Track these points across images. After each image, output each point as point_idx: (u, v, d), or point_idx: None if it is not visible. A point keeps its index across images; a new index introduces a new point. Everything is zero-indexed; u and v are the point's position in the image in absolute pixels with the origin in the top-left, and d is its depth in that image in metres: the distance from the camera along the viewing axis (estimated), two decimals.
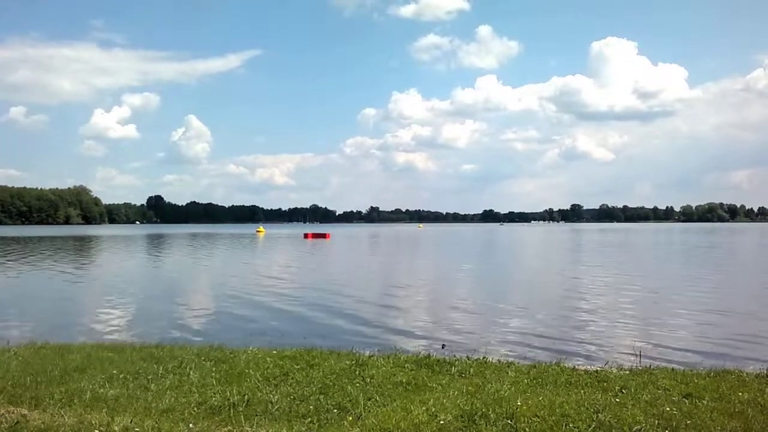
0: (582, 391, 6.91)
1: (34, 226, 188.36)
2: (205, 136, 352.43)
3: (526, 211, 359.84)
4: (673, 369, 8.49)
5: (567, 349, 11.63)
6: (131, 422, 5.66)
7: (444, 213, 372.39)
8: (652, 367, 8.66)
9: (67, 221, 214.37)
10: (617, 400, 6.50)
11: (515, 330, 13.87)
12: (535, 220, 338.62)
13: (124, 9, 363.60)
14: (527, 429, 5.54)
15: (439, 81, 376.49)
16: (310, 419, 5.95)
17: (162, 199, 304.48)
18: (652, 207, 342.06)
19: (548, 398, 6.48)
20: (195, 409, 6.34)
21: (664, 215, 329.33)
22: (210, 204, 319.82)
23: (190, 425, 5.70)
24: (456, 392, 6.83)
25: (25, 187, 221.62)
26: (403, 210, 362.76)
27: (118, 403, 6.53)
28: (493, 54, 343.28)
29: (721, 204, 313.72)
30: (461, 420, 5.76)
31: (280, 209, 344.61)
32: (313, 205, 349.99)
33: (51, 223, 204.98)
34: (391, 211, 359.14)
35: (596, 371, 8.21)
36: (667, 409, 6.10)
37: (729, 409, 6.16)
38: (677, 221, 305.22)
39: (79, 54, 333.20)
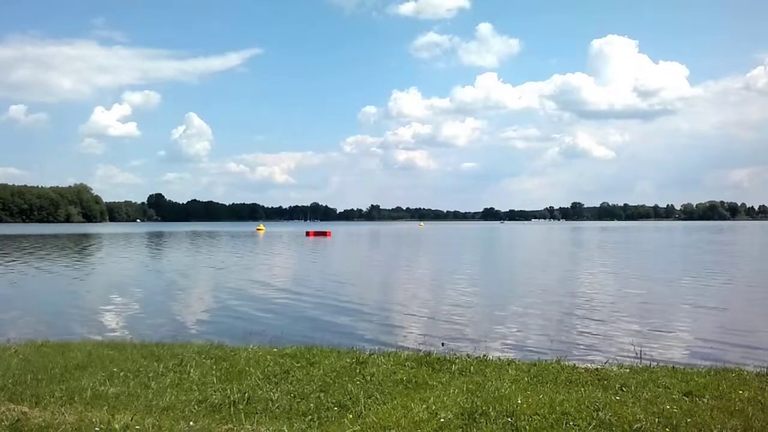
0: (582, 389, 6.91)
1: (34, 224, 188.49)
2: (206, 134, 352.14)
3: (526, 209, 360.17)
4: (673, 367, 8.49)
5: (567, 347, 11.63)
6: (132, 420, 5.66)
7: (444, 211, 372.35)
8: (652, 365, 8.67)
9: (67, 219, 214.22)
10: (617, 398, 6.50)
11: (515, 328, 13.88)
12: (535, 218, 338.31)
13: (125, 7, 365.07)
14: (528, 427, 5.54)
15: (439, 79, 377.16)
16: (310, 417, 5.96)
17: (163, 197, 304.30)
18: (652, 205, 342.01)
19: (548, 396, 6.48)
20: (195, 406, 6.35)
21: (665, 213, 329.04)
22: (210, 202, 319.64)
23: (191, 423, 5.70)
24: (456, 390, 6.83)
25: (25, 185, 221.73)
26: (404, 208, 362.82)
27: (119, 400, 6.54)
28: (494, 52, 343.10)
29: (722, 202, 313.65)
30: (461, 418, 5.77)
31: (280, 207, 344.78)
32: (314, 203, 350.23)
33: (52, 221, 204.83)
34: (392, 209, 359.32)
35: (596, 369, 8.21)
36: (668, 407, 6.10)
37: (729, 408, 6.16)
38: (678, 219, 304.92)
39: (80, 52, 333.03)
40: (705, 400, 6.43)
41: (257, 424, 5.71)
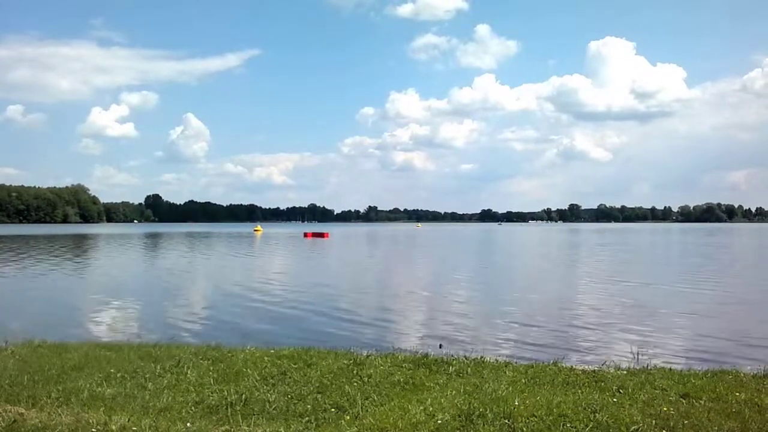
0: (579, 391, 6.92)
1: (32, 224, 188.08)
2: (204, 135, 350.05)
3: (524, 210, 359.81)
4: (670, 369, 8.51)
5: (564, 348, 11.63)
6: (128, 421, 5.65)
7: (442, 212, 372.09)
8: (649, 367, 8.68)
9: (65, 220, 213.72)
10: (614, 399, 6.51)
11: (513, 329, 13.88)
12: (533, 219, 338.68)
13: (124, 7, 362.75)
14: (525, 429, 5.54)
15: (437, 80, 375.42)
16: (307, 418, 5.95)
17: (160, 197, 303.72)
18: (650, 207, 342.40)
19: (546, 398, 6.49)
20: (192, 408, 6.34)
21: (662, 215, 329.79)
22: (208, 203, 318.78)
23: (188, 424, 5.69)
24: (453, 392, 6.84)
25: (23, 186, 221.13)
26: (402, 209, 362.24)
27: (116, 402, 6.53)
28: (491, 53, 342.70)
29: (719, 204, 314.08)
30: (459, 419, 5.77)
31: (278, 208, 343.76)
32: (312, 204, 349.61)
33: (49, 222, 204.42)
34: (390, 210, 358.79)
35: (593, 371, 8.22)
36: (665, 409, 6.11)
37: (726, 410, 6.17)
38: (675, 221, 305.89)
39: (78, 52, 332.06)
40: (702, 402, 6.44)
41: (254, 426, 5.70)
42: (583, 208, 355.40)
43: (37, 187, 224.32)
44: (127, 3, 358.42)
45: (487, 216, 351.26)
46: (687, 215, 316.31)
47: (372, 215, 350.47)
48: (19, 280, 25.76)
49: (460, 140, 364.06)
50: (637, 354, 10.50)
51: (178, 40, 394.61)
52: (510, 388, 6.96)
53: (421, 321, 15.30)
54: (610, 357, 10.30)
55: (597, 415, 5.86)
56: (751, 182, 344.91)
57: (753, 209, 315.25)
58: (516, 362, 9.06)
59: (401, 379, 7.49)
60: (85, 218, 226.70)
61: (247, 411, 6.20)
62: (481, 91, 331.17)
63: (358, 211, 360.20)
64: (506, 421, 5.71)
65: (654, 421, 5.70)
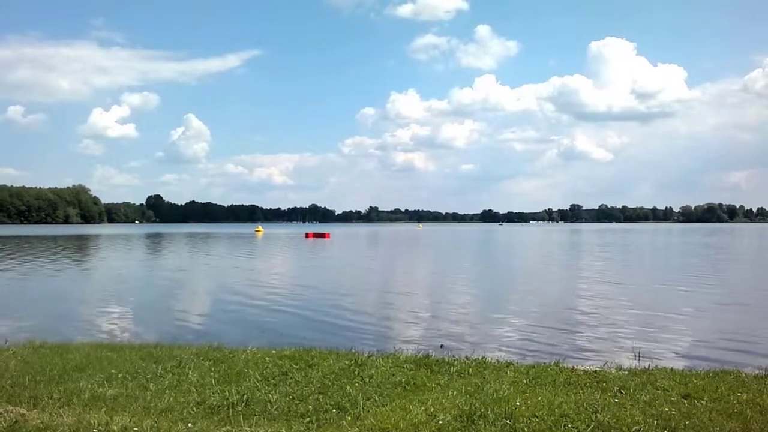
0: (581, 392, 6.92)
1: (33, 225, 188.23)
2: (204, 136, 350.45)
3: (525, 211, 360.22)
4: (671, 369, 8.50)
5: (566, 349, 11.63)
6: (130, 422, 5.65)
7: (443, 213, 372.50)
8: (650, 367, 8.66)
9: (66, 220, 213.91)
10: (616, 400, 6.51)
11: (514, 330, 13.87)
12: (534, 220, 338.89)
13: (124, 8, 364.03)
14: (526, 429, 5.54)
15: (438, 81, 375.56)
16: (308, 419, 5.95)
17: (161, 198, 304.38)
18: (651, 207, 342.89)
19: (547, 398, 6.49)
20: (194, 408, 6.35)
21: (663, 216, 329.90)
22: (209, 203, 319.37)
23: (189, 425, 5.69)
24: (455, 392, 6.83)
25: (23, 186, 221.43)
26: (402, 210, 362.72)
27: (117, 402, 6.53)
28: (492, 54, 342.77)
29: (720, 204, 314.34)
30: (460, 420, 5.77)
31: (279, 209, 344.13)
32: (312, 204, 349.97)
33: (50, 223, 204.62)
34: (390, 211, 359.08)
35: (595, 371, 8.22)
36: (666, 409, 6.11)
37: (728, 410, 6.16)
38: (676, 222, 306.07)
39: (79, 53, 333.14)
40: (703, 403, 6.43)
41: (255, 426, 5.70)
42: (584, 208, 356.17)
43: (38, 187, 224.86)
44: (127, 3, 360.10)
45: (488, 216, 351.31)
46: (688, 215, 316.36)
47: (373, 216, 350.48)
48: (21, 281, 25.77)
49: (460, 140, 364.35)
50: (639, 354, 10.50)
51: (179, 40, 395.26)
52: (511, 389, 6.95)
53: (422, 321, 15.28)
54: (611, 357, 10.30)
55: (598, 415, 5.85)
56: (752, 182, 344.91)
57: (754, 209, 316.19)
58: (517, 363, 9.05)
59: (402, 380, 7.49)
60: (86, 219, 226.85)
61: (248, 411, 6.20)
62: (481, 91, 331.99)
63: (359, 212, 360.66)
64: (507, 421, 5.71)
65: (655, 422, 5.69)
